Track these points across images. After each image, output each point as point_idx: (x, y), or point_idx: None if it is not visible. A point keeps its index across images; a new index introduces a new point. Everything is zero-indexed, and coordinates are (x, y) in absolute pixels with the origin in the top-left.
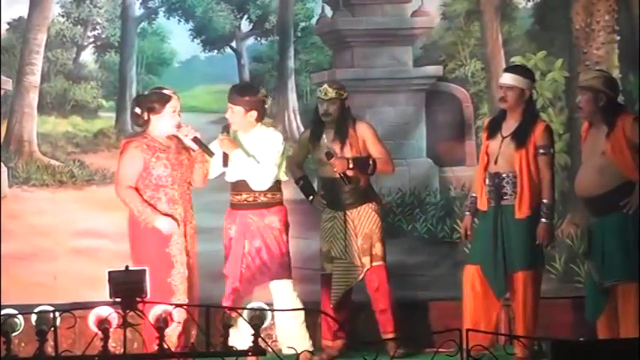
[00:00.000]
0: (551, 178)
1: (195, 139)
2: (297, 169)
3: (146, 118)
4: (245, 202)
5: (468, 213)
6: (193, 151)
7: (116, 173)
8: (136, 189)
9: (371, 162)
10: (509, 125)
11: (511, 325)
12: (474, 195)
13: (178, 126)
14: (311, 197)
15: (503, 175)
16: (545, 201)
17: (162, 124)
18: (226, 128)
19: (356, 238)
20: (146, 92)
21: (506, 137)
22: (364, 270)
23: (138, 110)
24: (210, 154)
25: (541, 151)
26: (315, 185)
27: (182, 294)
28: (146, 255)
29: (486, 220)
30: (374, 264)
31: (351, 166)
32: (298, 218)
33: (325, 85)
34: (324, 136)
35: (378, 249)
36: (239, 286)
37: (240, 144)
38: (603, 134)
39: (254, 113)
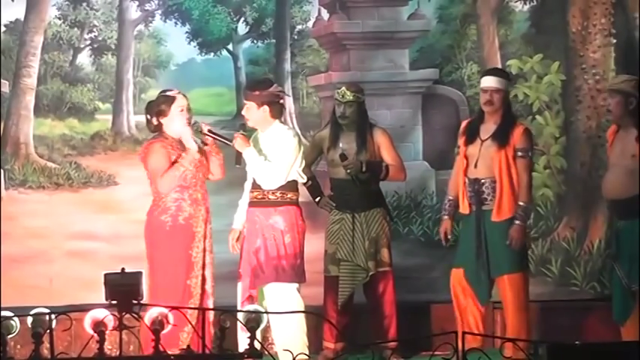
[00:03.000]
0: (529, 181)
1: (210, 131)
2: (306, 169)
3: (156, 123)
4: (255, 200)
5: (446, 217)
6: (205, 144)
7: (150, 176)
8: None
9: (384, 167)
10: (488, 128)
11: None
12: (451, 198)
13: (189, 123)
14: (318, 198)
15: (483, 181)
16: (521, 204)
17: (174, 124)
18: (243, 126)
19: (363, 241)
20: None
21: (485, 140)
22: (369, 274)
23: (148, 117)
24: (228, 142)
25: (519, 154)
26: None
27: (199, 296)
28: (168, 257)
29: (469, 224)
30: (380, 269)
31: (364, 169)
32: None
33: (343, 88)
34: (340, 138)
35: (384, 254)
36: (250, 287)
37: (255, 142)
38: (633, 137)
39: (266, 108)
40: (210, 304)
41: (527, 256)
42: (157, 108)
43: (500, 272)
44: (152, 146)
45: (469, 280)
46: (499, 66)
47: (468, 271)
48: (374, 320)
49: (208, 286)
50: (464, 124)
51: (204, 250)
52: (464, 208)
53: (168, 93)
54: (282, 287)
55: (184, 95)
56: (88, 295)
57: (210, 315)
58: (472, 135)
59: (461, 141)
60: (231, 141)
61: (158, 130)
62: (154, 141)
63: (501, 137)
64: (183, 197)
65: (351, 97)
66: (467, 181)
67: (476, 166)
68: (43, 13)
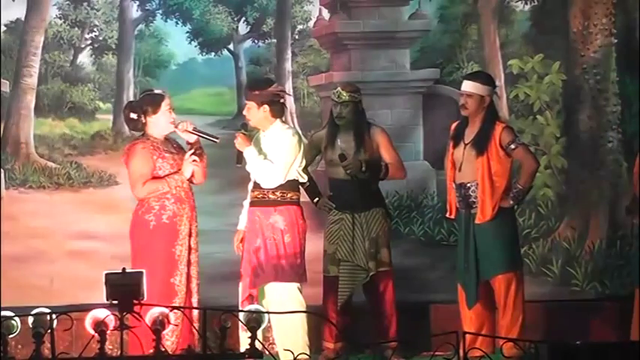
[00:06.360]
0: (535, 164)
1: (196, 129)
2: (303, 169)
3: (143, 121)
4: (255, 199)
5: None
6: (190, 144)
7: (129, 177)
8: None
9: (384, 167)
10: (471, 132)
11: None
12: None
13: (174, 123)
14: (316, 199)
15: (468, 185)
16: (519, 186)
17: (159, 123)
18: (245, 126)
19: (363, 241)
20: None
21: (467, 144)
22: (369, 274)
23: (134, 115)
24: (213, 139)
25: (512, 146)
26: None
27: (184, 294)
28: (152, 256)
29: (459, 227)
30: (380, 269)
31: (364, 169)
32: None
33: (339, 88)
34: (338, 138)
35: (384, 254)
36: (249, 287)
37: (256, 142)
38: None
39: (266, 108)
40: (194, 302)
41: (520, 255)
42: (145, 107)
43: (493, 272)
44: (134, 148)
45: (461, 284)
46: (500, 66)
47: (459, 275)
48: (374, 320)
49: (193, 285)
50: (453, 126)
51: (189, 248)
52: (450, 213)
53: (156, 91)
54: (282, 287)
55: (169, 95)
56: (88, 294)
57: (195, 313)
58: (457, 138)
59: (450, 143)
60: (217, 138)
61: (142, 129)
62: (136, 142)
63: (480, 144)
64: (166, 196)
65: (347, 97)
66: (454, 186)
67: (460, 169)
68: (43, 13)
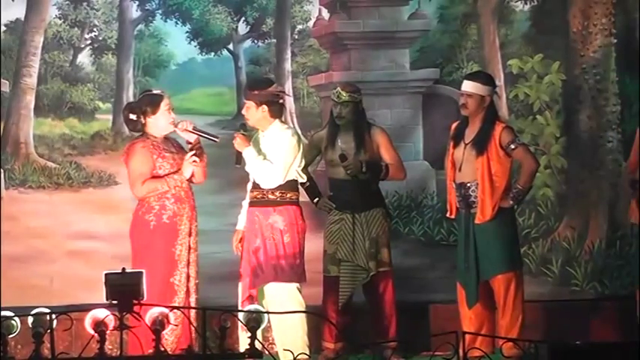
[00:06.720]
0: (535, 164)
1: (195, 129)
2: (303, 169)
3: (143, 122)
4: (255, 200)
5: None
6: (190, 143)
7: (129, 176)
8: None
9: (384, 167)
10: (471, 132)
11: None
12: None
13: (174, 123)
14: (316, 199)
15: (469, 185)
16: (519, 186)
17: (159, 124)
18: (243, 126)
19: (363, 241)
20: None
21: (468, 144)
22: (370, 274)
23: (133, 116)
24: (214, 139)
25: (512, 146)
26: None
27: (184, 293)
28: (152, 256)
29: (459, 227)
30: (380, 269)
31: (364, 169)
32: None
33: (338, 88)
34: (338, 139)
35: (384, 254)
36: (249, 287)
37: (255, 142)
38: None
39: (265, 108)
40: (192, 301)
41: (520, 255)
42: (144, 107)
43: (493, 272)
44: (134, 147)
45: (461, 284)
46: (499, 66)
47: (459, 275)
48: (374, 320)
49: (191, 284)
50: (453, 126)
51: (189, 248)
52: (450, 213)
53: (154, 92)
54: (282, 287)
55: (168, 96)
56: (88, 294)
57: (192, 313)
58: (458, 138)
59: (450, 143)
60: (217, 137)
61: (141, 129)
62: (136, 142)
63: (480, 144)
64: (166, 196)
65: (347, 98)
66: (454, 185)
67: (460, 169)
68: (43, 13)
